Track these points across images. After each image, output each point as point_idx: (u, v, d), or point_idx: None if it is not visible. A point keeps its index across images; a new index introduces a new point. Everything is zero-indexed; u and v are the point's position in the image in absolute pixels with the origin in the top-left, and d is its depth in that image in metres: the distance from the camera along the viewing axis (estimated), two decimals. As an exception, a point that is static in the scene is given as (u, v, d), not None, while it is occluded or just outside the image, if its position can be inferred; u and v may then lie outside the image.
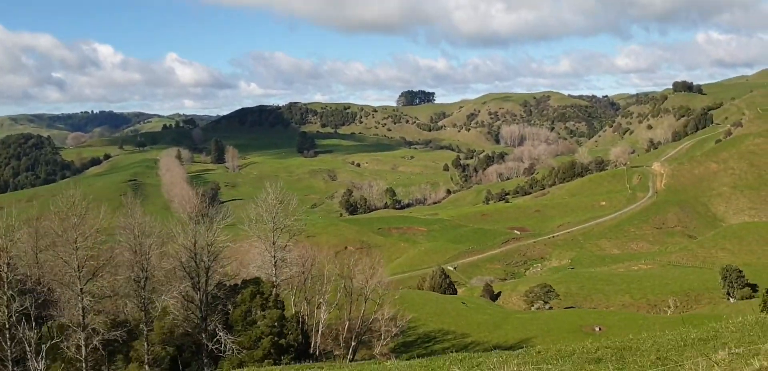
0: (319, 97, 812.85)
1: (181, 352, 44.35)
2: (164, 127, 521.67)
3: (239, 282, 46.11)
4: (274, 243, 52.49)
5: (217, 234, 44.20)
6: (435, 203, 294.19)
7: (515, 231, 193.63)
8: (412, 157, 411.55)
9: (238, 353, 41.51)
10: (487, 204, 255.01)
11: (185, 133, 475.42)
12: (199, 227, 43.49)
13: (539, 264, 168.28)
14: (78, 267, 39.45)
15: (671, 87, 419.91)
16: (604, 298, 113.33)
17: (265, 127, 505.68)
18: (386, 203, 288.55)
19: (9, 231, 40.16)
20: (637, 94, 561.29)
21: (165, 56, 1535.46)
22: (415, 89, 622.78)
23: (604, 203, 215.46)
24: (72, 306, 40.14)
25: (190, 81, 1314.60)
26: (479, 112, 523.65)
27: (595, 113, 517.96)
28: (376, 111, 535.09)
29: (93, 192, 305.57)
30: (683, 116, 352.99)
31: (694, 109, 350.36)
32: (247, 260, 52.87)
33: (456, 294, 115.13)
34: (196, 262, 43.40)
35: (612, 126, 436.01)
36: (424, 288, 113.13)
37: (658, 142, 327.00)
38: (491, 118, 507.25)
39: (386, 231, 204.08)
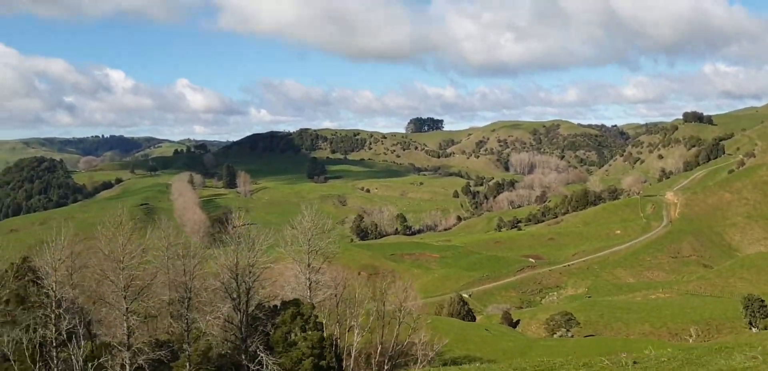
0: (328, 124, 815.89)
1: (221, 374, 44.54)
2: (175, 151, 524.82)
3: (278, 303, 46.37)
4: (309, 266, 52.85)
5: (259, 256, 44.59)
6: (446, 230, 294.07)
7: (530, 260, 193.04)
8: (421, 184, 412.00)
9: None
10: (500, 231, 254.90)
11: (196, 158, 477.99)
12: (241, 248, 43.89)
13: (555, 293, 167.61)
14: (124, 286, 39.86)
15: (681, 117, 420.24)
16: (624, 327, 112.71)
17: (275, 153, 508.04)
18: (397, 229, 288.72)
19: (61, 250, 40.71)
20: (647, 124, 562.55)
21: (176, 82, 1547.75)
22: (424, 116, 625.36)
23: (618, 232, 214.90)
24: (117, 325, 40.50)
25: (200, 107, 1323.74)
26: (488, 139, 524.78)
27: (605, 142, 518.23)
28: (385, 137, 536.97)
29: (105, 215, 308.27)
30: (694, 146, 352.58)
31: (705, 140, 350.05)
32: (280, 282, 53.12)
33: (474, 321, 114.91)
34: (237, 283, 43.77)
35: (622, 155, 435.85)
36: (442, 315, 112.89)
37: (669, 171, 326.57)
38: (500, 146, 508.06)
39: (399, 257, 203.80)
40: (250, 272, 44.10)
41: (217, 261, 44.41)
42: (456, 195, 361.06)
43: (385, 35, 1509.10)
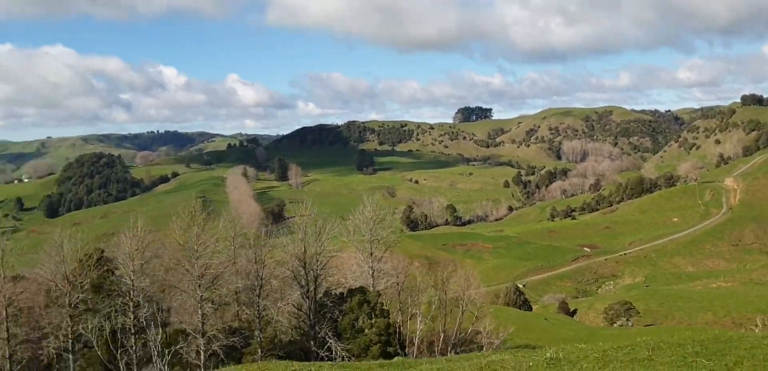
0: (374, 116, 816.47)
1: (289, 360, 45.63)
2: (229, 145, 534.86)
3: (344, 291, 47.18)
4: (371, 254, 53.53)
5: (325, 244, 45.45)
6: (497, 220, 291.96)
7: (585, 249, 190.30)
8: (470, 174, 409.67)
9: (348, 360, 42.44)
10: (553, 221, 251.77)
11: (249, 152, 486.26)
12: (309, 237, 44.81)
13: (612, 282, 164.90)
14: (199, 275, 41.20)
15: (739, 100, 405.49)
16: (685, 316, 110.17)
17: (324, 146, 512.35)
18: (447, 220, 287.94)
19: (138, 241, 42.38)
20: (702, 108, 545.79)
21: (227, 77, 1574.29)
22: (472, 105, 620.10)
23: (676, 220, 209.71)
24: (192, 312, 41.90)
25: (250, 101, 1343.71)
26: (539, 127, 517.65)
27: (659, 128, 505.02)
28: (432, 128, 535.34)
29: (163, 208, 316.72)
30: (753, 130, 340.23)
31: (765, 123, 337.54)
32: (343, 270, 53.94)
33: (531, 310, 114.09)
34: (305, 271, 44.72)
35: (677, 141, 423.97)
36: (497, 304, 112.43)
37: (727, 156, 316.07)
38: (551, 134, 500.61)
39: (451, 248, 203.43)
40: (317, 260, 45.02)
41: (285, 250, 45.44)
42: (506, 185, 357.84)
43: (432, 23, 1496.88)
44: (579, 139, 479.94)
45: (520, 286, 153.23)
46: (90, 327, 39.21)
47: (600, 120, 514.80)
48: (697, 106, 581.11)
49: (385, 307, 46.51)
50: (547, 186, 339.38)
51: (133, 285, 41.94)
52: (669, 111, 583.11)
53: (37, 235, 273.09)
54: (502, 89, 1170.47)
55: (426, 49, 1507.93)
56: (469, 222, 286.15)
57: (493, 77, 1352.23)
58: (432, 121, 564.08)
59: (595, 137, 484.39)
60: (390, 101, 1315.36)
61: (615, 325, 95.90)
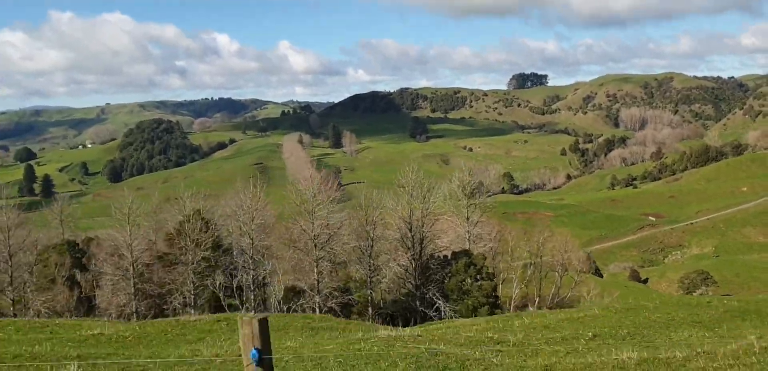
0: (424, 82, 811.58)
1: (393, 320, 47.02)
2: (283, 112, 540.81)
3: (449, 254, 48.10)
4: (467, 219, 54.27)
5: (430, 208, 46.37)
6: (555, 188, 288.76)
7: (650, 218, 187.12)
8: (526, 142, 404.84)
9: (455, 320, 43.50)
10: (613, 189, 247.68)
11: (302, 119, 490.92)
12: (415, 201, 45.79)
13: (678, 252, 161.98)
14: (315, 235, 42.73)
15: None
16: (762, 286, 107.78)
17: (376, 113, 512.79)
18: (503, 188, 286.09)
19: (257, 201, 44.10)
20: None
21: (278, 44, 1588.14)
22: (526, 72, 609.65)
23: (745, 189, 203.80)
24: (308, 271, 43.54)
25: (301, 68, 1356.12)
26: (596, 94, 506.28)
27: (722, 95, 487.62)
28: (486, 95, 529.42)
29: (223, 174, 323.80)
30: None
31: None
32: (439, 234, 54.78)
33: (602, 278, 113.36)
34: (411, 233, 45.80)
35: (742, 108, 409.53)
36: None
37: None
38: (609, 101, 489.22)
39: (511, 216, 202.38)
40: (423, 223, 46.05)
41: (394, 212, 46.57)
42: (563, 153, 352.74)
43: None
44: (637, 106, 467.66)
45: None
46: (217, 283, 41.18)
47: (659, 87, 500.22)
48: (762, 73, 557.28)
49: (490, 271, 47.31)
50: (605, 154, 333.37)
51: (253, 243, 43.75)
52: (732, 77, 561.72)
53: (103, 199, 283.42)
54: (557, 56, 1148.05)
55: (481, 14, 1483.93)
56: (526, 190, 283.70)
57: (548, 43, 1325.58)
58: (485, 88, 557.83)
59: (654, 104, 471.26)
60: (442, 67, 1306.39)
61: (694, 295, 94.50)
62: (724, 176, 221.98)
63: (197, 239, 43.22)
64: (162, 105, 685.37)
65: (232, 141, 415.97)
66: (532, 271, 54.73)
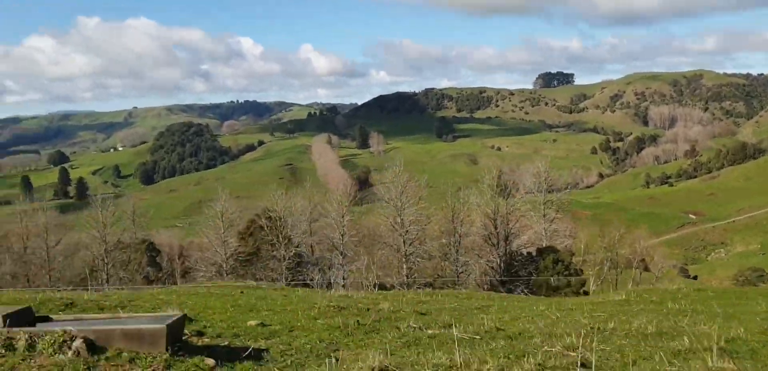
0: (446, 83, 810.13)
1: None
2: (309, 114, 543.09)
3: (533, 250, 47.98)
4: (544, 216, 54.09)
5: (515, 205, 46.29)
6: (588, 187, 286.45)
7: (690, 216, 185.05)
8: (554, 141, 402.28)
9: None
10: (648, 187, 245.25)
11: (328, 120, 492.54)
12: (499, 199, 45.75)
13: (722, 250, 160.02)
14: (404, 231, 42.87)
15: None
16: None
17: (401, 113, 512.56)
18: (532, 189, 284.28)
19: (349, 199, 44.38)
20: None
21: (300, 47, 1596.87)
22: (549, 71, 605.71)
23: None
24: (395, 267, 43.75)
25: (324, 70, 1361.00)
26: (624, 92, 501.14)
27: (754, 92, 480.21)
28: (512, 94, 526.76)
29: (254, 175, 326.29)
30: None
31: None
32: (520, 231, 54.69)
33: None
34: (496, 229, 45.76)
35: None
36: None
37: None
38: (638, 99, 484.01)
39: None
40: (507, 220, 46.00)
41: (479, 209, 46.59)
42: (594, 151, 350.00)
43: None
44: (666, 104, 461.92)
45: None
46: (315, 279, 41.52)
47: (689, 84, 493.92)
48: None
49: (578, 267, 47.12)
50: (637, 152, 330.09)
51: (342, 240, 44.04)
52: (762, 74, 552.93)
53: (138, 201, 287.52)
54: (580, 54, 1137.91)
55: (503, 12, 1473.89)
56: (560, 189, 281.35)
57: (571, 42, 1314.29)
58: (512, 88, 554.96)
59: (683, 102, 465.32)
60: (463, 67, 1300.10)
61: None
62: (764, 173, 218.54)
63: (288, 235, 43.62)
64: (189, 108, 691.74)
65: (260, 142, 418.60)
66: (609, 268, 54.38)
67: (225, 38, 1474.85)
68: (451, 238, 43.59)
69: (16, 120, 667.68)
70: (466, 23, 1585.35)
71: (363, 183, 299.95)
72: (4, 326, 8.41)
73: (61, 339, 7.61)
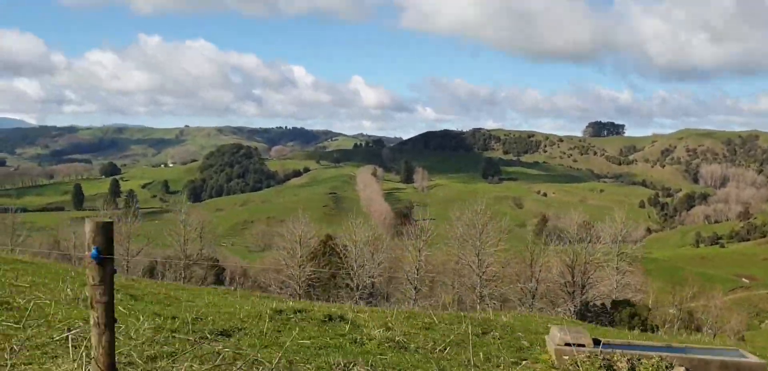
0: (492, 124, 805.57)
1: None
2: (355, 145, 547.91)
3: (608, 303, 47.29)
4: (616, 268, 53.35)
5: (595, 254, 45.82)
6: (634, 242, 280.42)
7: (743, 280, 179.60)
8: (601, 191, 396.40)
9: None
10: (698, 246, 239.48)
11: (374, 152, 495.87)
12: (579, 246, 45.39)
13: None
14: (480, 271, 42.79)
15: None
16: None
17: (447, 151, 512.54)
18: (581, 236, 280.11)
19: (425, 235, 44.58)
20: None
21: (351, 78, 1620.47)
22: (598, 120, 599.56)
23: None
24: (470, 305, 43.59)
25: (371, 103, 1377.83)
26: (675, 147, 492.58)
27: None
28: (561, 140, 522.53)
29: (298, 201, 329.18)
30: None
31: None
32: (594, 282, 54.02)
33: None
34: (573, 278, 45.32)
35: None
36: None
37: None
38: (689, 156, 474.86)
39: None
40: (584, 269, 45.53)
41: (557, 256, 46.27)
42: (642, 205, 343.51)
43: (566, 33, 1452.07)
44: (718, 162, 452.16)
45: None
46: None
47: (743, 144, 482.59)
48: None
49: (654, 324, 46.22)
50: (687, 210, 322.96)
51: (417, 274, 44.18)
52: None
53: (186, 217, 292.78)
54: (630, 105, 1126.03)
55: (555, 58, 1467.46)
56: (634, 241, 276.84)
57: (622, 92, 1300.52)
58: (558, 133, 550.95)
59: (737, 162, 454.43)
60: (510, 110, 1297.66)
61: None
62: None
63: (363, 263, 43.98)
64: (238, 130, 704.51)
65: (306, 169, 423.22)
66: (679, 327, 53.17)
67: (278, 65, 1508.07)
68: (528, 283, 43.36)
69: (72, 129, 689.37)
70: (517, 66, 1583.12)
71: (404, 218, 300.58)
72: (595, 347, 8.79)
73: (663, 366, 7.91)
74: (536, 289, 43.58)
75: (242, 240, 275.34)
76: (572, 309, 45.32)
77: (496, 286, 43.52)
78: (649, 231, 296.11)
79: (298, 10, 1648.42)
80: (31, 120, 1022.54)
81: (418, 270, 43.89)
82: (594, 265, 46.10)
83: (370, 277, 44.41)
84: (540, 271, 43.65)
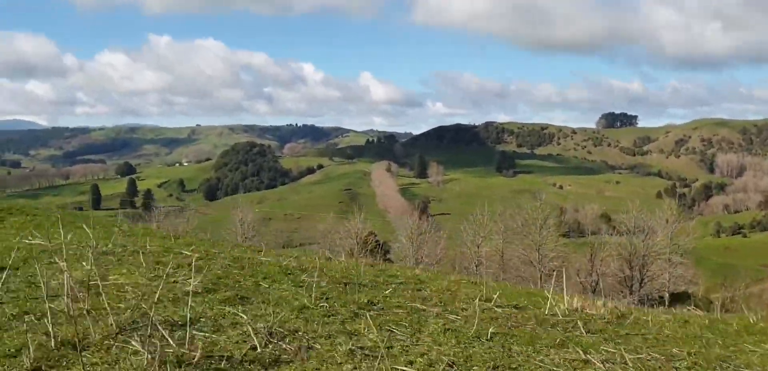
0: (503, 117, 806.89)
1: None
2: (367, 141, 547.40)
3: (666, 297, 46.80)
4: (668, 260, 52.80)
5: (653, 248, 45.31)
6: (687, 235, 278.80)
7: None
8: (617, 182, 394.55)
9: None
10: (719, 237, 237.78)
11: (386, 148, 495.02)
12: (637, 239, 44.91)
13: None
14: (543, 267, 42.38)
15: None
16: None
17: (460, 145, 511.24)
18: (600, 228, 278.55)
19: (483, 231, 44.22)
20: None
21: (360, 74, 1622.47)
22: (609, 111, 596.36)
23: None
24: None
25: (381, 98, 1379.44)
26: (689, 138, 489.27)
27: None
28: (575, 132, 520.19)
29: (313, 198, 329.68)
30: None
31: None
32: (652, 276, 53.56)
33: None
34: (631, 271, 44.82)
35: None
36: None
37: None
38: (704, 145, 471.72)
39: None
40: (643, 262, 45.04)
41: (615, 249, 45.82)
42: (659, 196, 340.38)
43: (576, 25, 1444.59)
44: (735, 152, 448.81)
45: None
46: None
47: (760, 133, 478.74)
48: None
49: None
50: (705, 200, 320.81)
51: (476, 270, 43.78)
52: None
53: (203, 215, 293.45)
54: (642, 96, 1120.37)
55: (565, 50, 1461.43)
56: (626, 232, 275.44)
57: (632, 83, 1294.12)
58: (570, 125, 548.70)
59: (753, 151, 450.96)
60: (521, 103, 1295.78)
61: None
62: None
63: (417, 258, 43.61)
64: (250, 128, 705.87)
65: (319, 166, 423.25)
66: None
67: (288, 63, 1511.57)
68: (588, 278, 42.94)
69: (85, 130, 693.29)
70: (527, 59, 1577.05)
71: (421, 213, 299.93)
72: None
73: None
74: (597, 284, 43.10)
75: (261, 238, 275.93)
76: (632, 303, 44.82)
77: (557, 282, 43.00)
78: (667, 221, 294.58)
79: (307, 8, 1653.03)
80: (43, 121, 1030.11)
81: (477, 265, 43.54)
82: (652, 258, 45.58)
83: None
84: (601, 264, 43.17)
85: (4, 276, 7.05)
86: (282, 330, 5.96)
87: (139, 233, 13.36)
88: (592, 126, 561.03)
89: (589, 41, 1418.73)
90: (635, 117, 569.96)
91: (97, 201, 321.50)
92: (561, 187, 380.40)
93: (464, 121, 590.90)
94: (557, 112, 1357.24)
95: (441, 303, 8.58)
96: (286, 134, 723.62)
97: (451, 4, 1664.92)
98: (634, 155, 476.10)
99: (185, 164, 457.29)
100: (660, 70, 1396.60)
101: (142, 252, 9.75)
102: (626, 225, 47.03)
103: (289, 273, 9.38)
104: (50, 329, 5.02)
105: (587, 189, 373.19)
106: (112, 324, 5.55)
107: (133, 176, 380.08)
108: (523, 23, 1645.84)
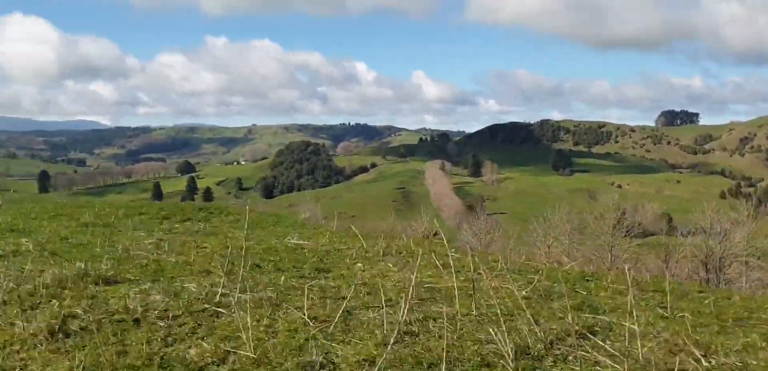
0: (557, 115, 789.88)
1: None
2: (420, 139, 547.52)
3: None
4: (746, 263, 51.39)
5: (731, 249, 44.32)
6: (766, 236, 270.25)
7: None
8: (678, 181, 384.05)
9: None
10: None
11: (440, 147, 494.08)
12: (712, 241, 43.98)
13: None
14: (613, 267, 41.97)
15: None
16: None
17: (515, 143, 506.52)
18: (662, 229, 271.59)
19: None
20: None
21: (412, 74, 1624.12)
22: (668, 108, 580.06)
23: None
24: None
25: (433, 97, 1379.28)
26: (755, 135, 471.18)
27: None
28: (633, 131, 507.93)
29: (368, 196, 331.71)
30: None
31: None
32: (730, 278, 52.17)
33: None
34: (708, 275, 43.94)
35: None
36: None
37: None
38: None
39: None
40: (719, 266, 44.06)
41: (689, 251, 45.01)
42: (723, 195, 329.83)
43: (635, 21, 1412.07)
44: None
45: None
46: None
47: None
48: None
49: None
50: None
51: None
52: None
53: (260, 213, 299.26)
54: (702, 93, 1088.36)
55: (624, 47, 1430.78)
56: (689, 233, 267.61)
57: (693, 80, 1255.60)
58: (628, 123, 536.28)
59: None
60: (576, 100, 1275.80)
61: None
62: None
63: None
64: (304, 128, 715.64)
65: (373, 165, 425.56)
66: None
67: (342, 63, 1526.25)
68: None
69: (146, 129, 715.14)
70: (581, 56, 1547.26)
71: (475, 212, 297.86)
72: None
73: None
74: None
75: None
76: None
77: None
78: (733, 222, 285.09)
79: (362, 8, 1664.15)
80: (107, 121, 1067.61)
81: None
82: (729, 260, 44.52)
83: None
84: (676, 265, 42.48)
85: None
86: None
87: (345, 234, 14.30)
88: (651, 124, 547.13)
89: (647, 37, 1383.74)
90: (696, 114, 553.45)
91: (158, 199, 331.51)
92: (620, 186, 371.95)
93: (517, 119, 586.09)
94: (613, 110, 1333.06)
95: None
96: (339, 133, 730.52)
97: (505, 2, 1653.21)
98: (696, 153, 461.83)
99: (242, 163, 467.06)
100: (721, 66, 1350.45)
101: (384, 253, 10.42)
102: (701, 226, 45.91)
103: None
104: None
105: (647, 189, 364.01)
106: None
107: (193, 174, 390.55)
108: (577, 20, 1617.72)
